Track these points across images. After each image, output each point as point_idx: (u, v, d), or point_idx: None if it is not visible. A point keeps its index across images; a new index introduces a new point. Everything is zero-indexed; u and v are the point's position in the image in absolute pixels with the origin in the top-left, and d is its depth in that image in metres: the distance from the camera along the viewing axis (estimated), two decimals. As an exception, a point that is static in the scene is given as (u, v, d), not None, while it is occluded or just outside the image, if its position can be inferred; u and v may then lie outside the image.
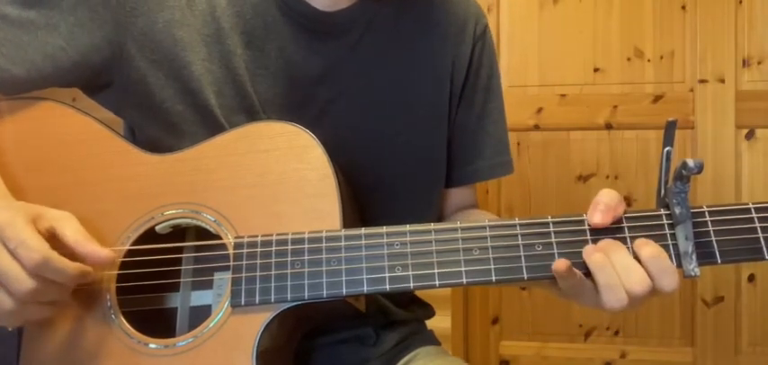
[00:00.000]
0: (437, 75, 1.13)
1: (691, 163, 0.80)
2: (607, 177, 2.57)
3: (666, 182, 0.85)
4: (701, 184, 2.48)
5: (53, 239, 0.85)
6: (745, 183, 2.51)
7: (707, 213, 0.85)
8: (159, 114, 1.01)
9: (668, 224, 0.85)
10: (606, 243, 0.84)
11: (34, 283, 0.81)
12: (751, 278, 2.51)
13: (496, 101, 1.21)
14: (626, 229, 0.86)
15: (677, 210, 0.84)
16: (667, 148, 0.84)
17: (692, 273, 0.82)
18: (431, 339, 1.23)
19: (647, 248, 0.83)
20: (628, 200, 2.56)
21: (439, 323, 1.27)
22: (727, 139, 2.50)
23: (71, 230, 0.86)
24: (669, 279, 0.82)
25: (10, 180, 0.93)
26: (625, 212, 0.86)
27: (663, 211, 0.86)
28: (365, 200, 1.04)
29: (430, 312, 1.27)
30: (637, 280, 0.82)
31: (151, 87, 1.00)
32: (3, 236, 0.81)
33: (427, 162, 1.14)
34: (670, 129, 0.84)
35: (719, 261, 0.84)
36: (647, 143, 2.55)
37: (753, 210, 0.85)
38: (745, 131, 2.50)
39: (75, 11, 0.97)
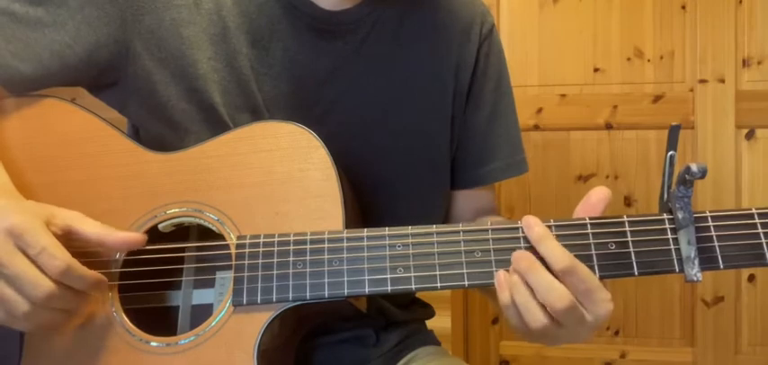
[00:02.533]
0: (441, 76, 1.13)
1: (694, 167, 0.80)
2: (607, 177, 2.57)
3: (669, 187, 0.85)
4: (702, 184, 2.48)
5: (67, 238, 0.85)
6: (746, 184, 2.50)
7: (710, 218, 0.85)
8: (164, 112, 1.01)
9: (671, 228, 0.85)
10: (525, 264, 0.83)
11: (53, 288, 0.81)
12: (751, 278, 2.52)
13: (507, 100, 1.21)
14: (629, 233, 0.86)
15: (680, 215, 0.84)
16: (671, 153, 0.84)
17: (694, 278, 0.82)
18: (431, 339, 1.23)
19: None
20: (628, 201, 2.56)
21: (439, 323, 1.28)
22: (727, 139, 2.50)
23: (90, 226, 0.87)
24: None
25: (15, 177, 0.93)
26: (628, 216, 0.87)
27: (666, 216, 0.86)
28: (369, 201, 1.04)
29: (430, 312, 1.27)
30: (557, 297, 0.81)
31: (156, 85, 1.00)
32: (22, 242, 0.81)
33: (430, 163, 1.14)
34: (673, 134, 0.84)
35: (722, 266, 0.84)
36: (647, 143, 2.55)
37: (756, 216, 0.85)
38: (745, 131, 2.50)
39: (82, 9, 0.98)
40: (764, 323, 2.52)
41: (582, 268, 0.82)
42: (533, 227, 0.85)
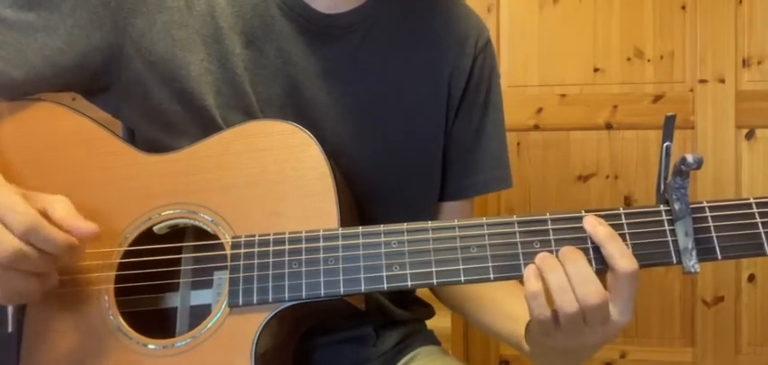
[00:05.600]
0: (435, 86, 1.13)
1: (690, 158, 0.80)
2: (607, 177, 2.57)
3: (666, 178, 0.85)
4: (702, 184, 2.48)
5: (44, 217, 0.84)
6: (745, 184, 2.50)
7: (707, 208, 0.85)
8: (157, 115, 1.01)
9: (668, 220, 0.85)
10: (569, 253, 0.84)
11: (19, 246, 0.80)
12: (751, 278, 2.51)
13: (494, 115, 1.20)
14: (625, 226, 0.86)
15: (677, 206, 0.83)
16: (666, 143, 0.84)
17: (692, 270, 0.82)
18: (431, 339, 1.23)
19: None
20: (628, 201, 2.56)
21: (439, 323, 1.27)
22: (727, 139, 2.50)
23: (60, 208, 0.85)
24: (589, 287, 0.83)
25: (9, 181, 0.93)
26: (625, 209, 0.86)
27: (662, 207, 0.86)
28: (360, 206, 1.04)
29: (430, 312, 1.26)
30: (594, 291, 0.81)
31: (149, 88, 1.00)
32: None
33: (422, 170, 1.14)
34: (669, 124, 0.83)
35: (720, 257, 0.84)
36: (647, 143, 2.54)
37: (754, 205, 0.85)
38: (745, 131, 2.50)
39: (74, 13, 0.97)
40: (764, 323, 2.51)
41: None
42: (597, 226, 0.85)
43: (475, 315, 1.15)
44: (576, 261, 0.83)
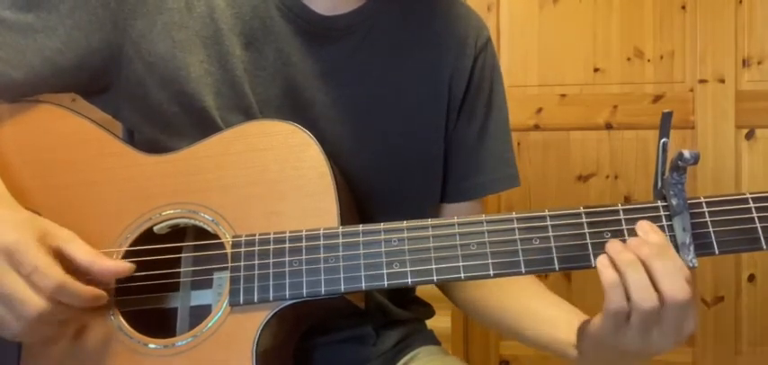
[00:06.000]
0: (435, 87, 1.13)
1: (687, 154, 0.80)
2: (607, 177, 2.57)
3: (663, 174, 0.85)
4: (702, 184, 2.48)
5: (59, 257, 0.85)
6: (745, 184, 2.50)
7: (704, 204, 0.85)
8: (156, 116, 1.01)
9: (665, 215, 0.85)
10: (657, 248, 0.82)
11: (44, 307, 0.81)
12: (751, 278, 2.51)
13: (498, 115, 1.20)
14: (623, 221, 0.86)
15: (674, 202, 0.84)
16: (663, 140, 0.84)
17: (690, 264, 0.82)
18: (431, 338, 1.22)
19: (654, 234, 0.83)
20: (628, 200, 2.55)
21: (439, 323, 1.27)
22: (727, 139, 2.50)
23: (80, 251, 0.87)
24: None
25: (9, 182, 0.93)
26: (622, 205, 0.86)
27: (660, 203, 0.86)
28: (359, 207, 1.04)
29: (430, 311, 1.26)
30: (680, 287, 0.80)
31: (148, 89, 1.00)
32: (15, 260, 0.81)
33: (422, 172, 1.13)
34: (666, 121, 0.84)
35: (717, 251, 0.84)
36: (646, 143, 2.55)
37: (750, 200, 0.85)
38: (745, 131, 2.50)
39: (73, 14, 0.97)
40: (764, 323, 2.51)
41: None
42: (650, 233, 0.84)
43: (502, 320, 1.15)
44: (664, 254, 0.82)
